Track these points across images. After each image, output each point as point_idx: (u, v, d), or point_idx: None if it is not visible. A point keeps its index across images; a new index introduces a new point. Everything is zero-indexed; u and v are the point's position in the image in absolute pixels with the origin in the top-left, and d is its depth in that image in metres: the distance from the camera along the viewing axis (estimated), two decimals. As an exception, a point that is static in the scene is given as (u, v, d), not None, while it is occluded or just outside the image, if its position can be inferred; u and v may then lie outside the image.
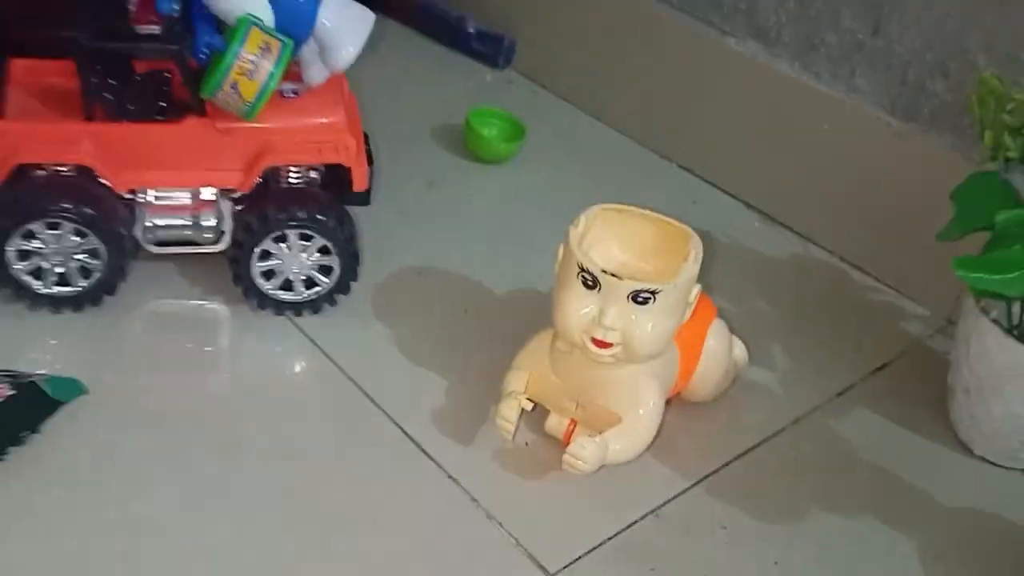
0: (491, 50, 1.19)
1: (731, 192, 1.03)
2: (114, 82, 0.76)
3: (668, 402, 0.72)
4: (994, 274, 0.69)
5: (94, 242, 0.75)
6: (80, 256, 0.76)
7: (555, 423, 0.72)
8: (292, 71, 0.77)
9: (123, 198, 0.77)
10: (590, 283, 0.65)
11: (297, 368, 0.79)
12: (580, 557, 0.66)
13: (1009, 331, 0.73)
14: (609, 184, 1.01)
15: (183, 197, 0.78)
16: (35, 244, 0.75)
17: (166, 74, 0.79)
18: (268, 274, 0.79)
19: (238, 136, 0.77)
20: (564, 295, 0.67)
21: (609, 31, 1.10)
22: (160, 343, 0.79)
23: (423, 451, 0.72)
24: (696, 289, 0.69)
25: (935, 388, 0.81)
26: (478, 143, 1.03)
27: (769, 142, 1.00)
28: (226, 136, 0.76)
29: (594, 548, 0.67)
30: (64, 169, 0.75)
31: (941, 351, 0.84)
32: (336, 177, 0.80)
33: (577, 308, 0.66)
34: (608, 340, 0.65)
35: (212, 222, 0.79)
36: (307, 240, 0.78)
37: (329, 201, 0.79)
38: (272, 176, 0.78)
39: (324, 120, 0.79)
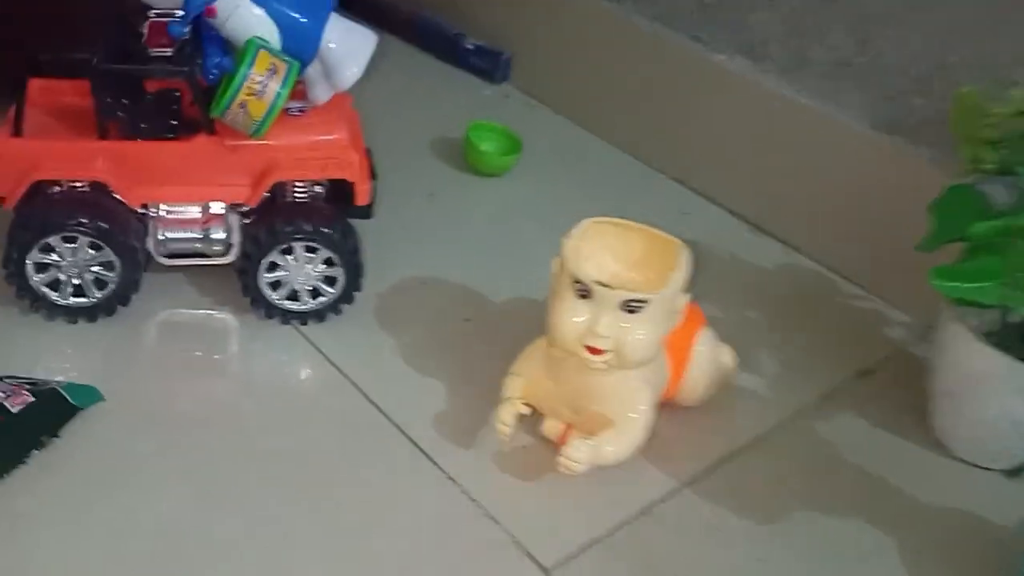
0: (489, 65, 1.21)
1: (721, 203, 1.05)
2: (127, 102, 0.78)
3: (659, 406, 0.74)
4: (968, 283, 0.71)
5: (109, 255, 0.78)
6: (95, 268, 0.78)
7: (551, 426, 0.74)
8: (298, 90, 0.79)
9: (136, 212, 0.79)
10: (584, 293, 0.68)
11: (303, 375, 0.81)
12: (575, 554, 0.68)
13: (985, 338, 0.75)
14: (603, 196, 1.03)
15: (193, 211, 0.81)
16: (53, 257, 0.77)
17: (176, 93, 0.82)
18: (275, 285, 0.81)
19: (246, 153, 0.79)
20: (559, 305, 0.69)
21: (602, 47, 1.12)
22: (172, 351, 0.81)
23: (424, 453, 0.74)
24: (685, 298, 0.71)
25: (917, 393, 0.82)
26: (477, 157, 1.06)
27: (758, 155, 1.02)
28: (235, 153, 0.79)
29: (589, 545, 0.69)
30: (80, 185, 0.78)
31: (923, 357, 0.85)
32: (340, 191, 0.82)
33: (571, 317, 0.68)
34: (601, 347, 0.67)
35: (221, 235, 0.81)
36: (312, 252, 0.80)
37: (333, 215, 0.81)
38: (279, 191, 0.81)
39: (329, 137, 0.81)
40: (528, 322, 0.77)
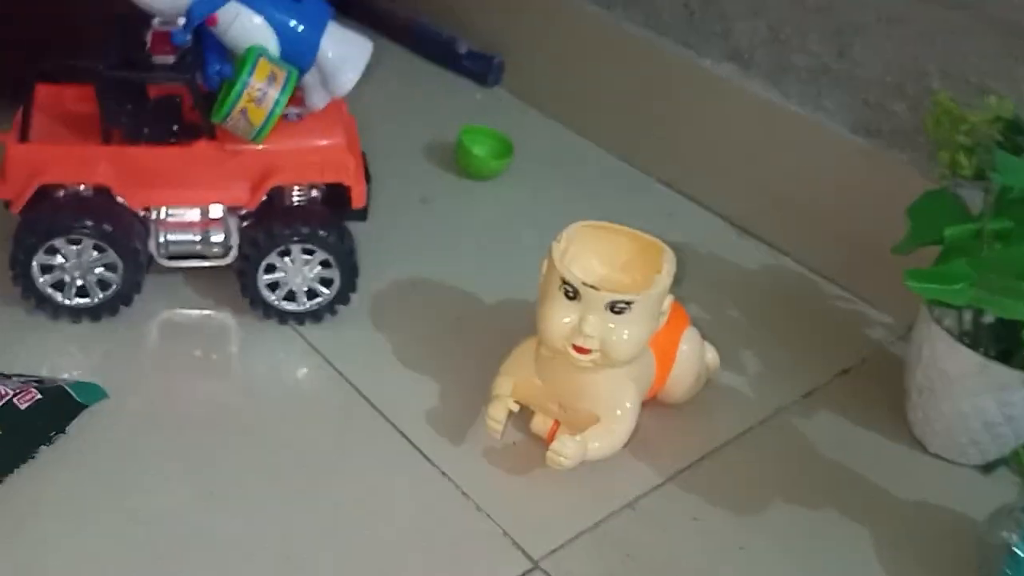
0: (481, 69, 1.23)
1: (707, 206, 1.07)
2: (130, 107, 0.80)
3: (644, 405, 0.76)
4: (941, 285, 0.74)
5: (112, 257, 0.79)
6: (99, 270, 0.80)
7: (540, 423, 0.76)
8: (295, 96, 0.80)
9: (138, 215, 0.81)
10: (571, 294, 0.69)
11: (300, 373, 0.83)
12: (563, 545, 0.70)
13: (959, 338, 0.78)
14: (592, 198, 1.05)
15: (193, 214, 0.82)
16: (57, 259, 0.79)
17: (177, 99, 0.83)
18: (273, 286, 0.83)
19: (245, 157, 0.81)
20: (547, 305, 0.70)
21: (593, 52, 1.13)
22: (173, 350, 0.82)
23: (417, 449, 0.76)
24: (669, 299, 0.73)
25: (895, 391, 0.84)
26: (469, 161, 1.07)
27: (743, 159, 1.04)
28: (234, 157, 0.81)
29: (576, 537, 0.71)
30: (83, 189, 0.80)
31: (901, 356, 0.87)
32: (336, 195, 0.84)
33: (559, 317, 0.70)
34: (588, 347, 0.69)
35: (220, 238, 0.83)
36: (310, 254, 0.82)
37: (330, 217, 0.83)
38: (277, 194, 0.82)
39: (325, 142, 0.83)
40: (518, 322, 0.78)
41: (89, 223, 0.78)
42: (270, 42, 0.78)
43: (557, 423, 0.76)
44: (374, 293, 0.89)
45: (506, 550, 0.70)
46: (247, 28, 0.78)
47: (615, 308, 0.69)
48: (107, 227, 0.78)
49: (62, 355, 0.80)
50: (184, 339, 0.84)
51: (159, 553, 0.67)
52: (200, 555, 0.67)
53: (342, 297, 0.85)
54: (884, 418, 0.84)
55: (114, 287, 0.81)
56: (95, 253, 0.79)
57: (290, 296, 0.84)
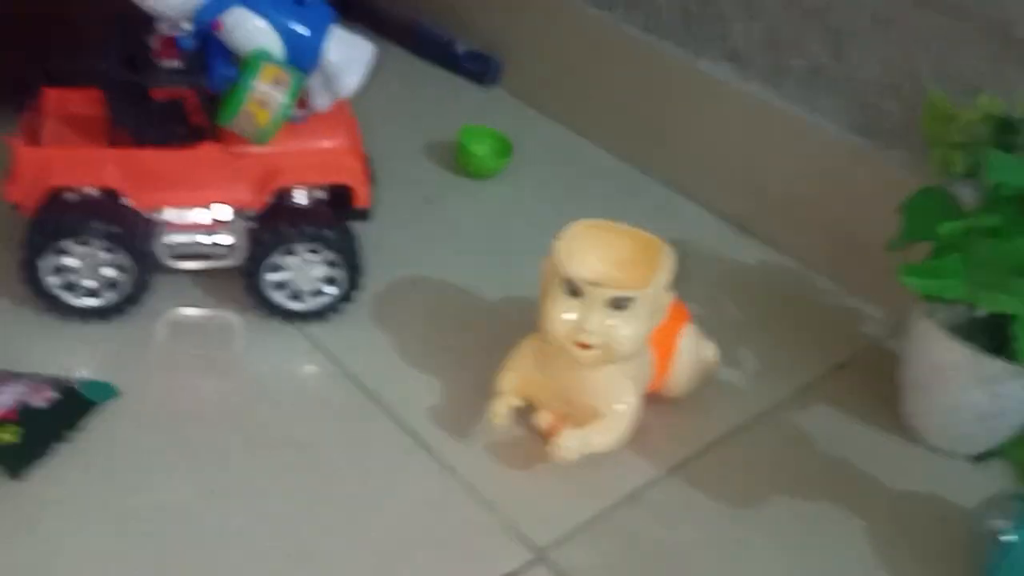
0: (480, 70, 1.24)
1: (705, 204, 1.08)
2: (137, 111, 0.82)
3: (644, 399, 0.77)
4: (934, 280, 0.75)
5: (121, 258, 0.81)
6: (108, 271, 0.81)
7: (543, 418, 0.78)
8: (299, 98, 0.81)
9: (145, 217, 0.82)
10: (573, 291, 0.71)
11: (306, 372, 0.84)
12: (566, 537, 0.72)
13: (952, 332, 0.79)
14: (591, 197, 1.06)
15: (199, 215, 0.84)
16: (67, 260, 0.80)
17: (181, 102, 0.84)
18: (279, 285, 0.84)
19: (251, 159, 0.82)
20: (549, 302, 0.72)
21: (591, 53, 1.15)
22: (181, 349, 0.84)
23: (422, 444, 0.77)
24: (669, 296, 0.75)
25: (890, 384, 0.86)
26: (469, 160, 1.09)
27: (740, 158, 1.05)
28: (240, 159, 0.82)
29: (579, 528, 0.72)
30: (91, 191, 0.81)
31: (896, 351, 0.88)
32: (340, 195, 0.85)
33: (561, 314, 0.71)
34: (589, 342, 0.71)
35: (226, 238, 0.84)
36: (314, 254, 0.83)
37: (334, 218, 0.84)
38: (282, 195, 0.84)
39: (329, 143, 0.84)
40: (520, 319, 0.79)
41: (98, 225, 0.79)
42: (274, 46, 0.79)
43: (560, 418, 0.77)
44: (377, 292, 0.90)
45: (511, 541, 0.71)
46: (252, 32, 0.79)
47: (616, 304, 0.71)
48: (115, 228, 0.80)
49: (72, 355, 0.81)
50: (191, 338, 0.85)
51: (167, 549, 0.68)
52: (208, 551, 0.68)
53: (346, 296, 0.86)
54: (879, 411, 0.86)
55: (123, 288, 0.83)
56: (104, 254, 0.81)
57: (296, 295, 0.86)
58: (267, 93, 0.77)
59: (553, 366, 0.75)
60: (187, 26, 0.79)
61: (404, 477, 0.75)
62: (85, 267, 0.81)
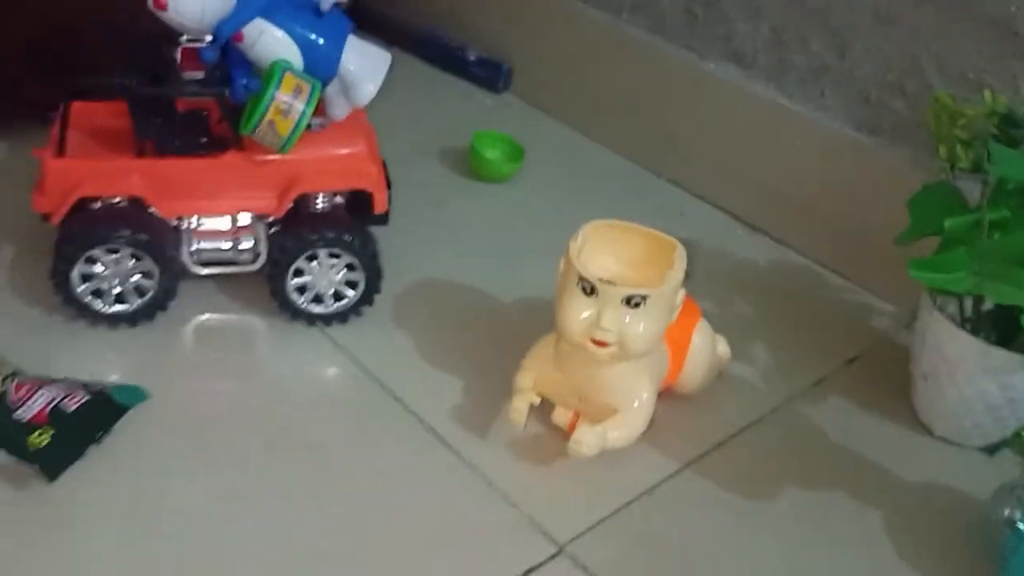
0: (490, 76, 1.26)
1: (715, 203, 1.09)
2: (161, 121, 0.84)
3: (659, 395, 0.78)
4: (942, 273, 0.77)
5: (148, 265, 0.83)
6: (136, 277, 0.83)
7: (560, 415, 0.79)
8: (318, 107, 0.82)
9: (171, 225, 0.84)
10: (588, 290, 0.72)
11: (329, 373, 0.86)
12: (586, 530, 0.73)
13: (960, 324, 0.81)
14: (603, 199, 1.08)
15: (223, 223, 0.86)
16: (96, 268, 0.82)
17: (204, 113, 0.87)
18: (301, 289, 0.86)
19: (272, 167, 0.84)
20: (565, 301, 0.73)
21: (599, 57, 1.16)
22: (207, 353, 0.86)
23: (443, 442, 0.79)
24: (682, 293, 0.76)
25: (900, 378, 0.87)
26: (482, 164, 1.10)
27: (748, 157, 1.06)
28: (262, 167, 0.84)
29: (598, 522, 0.74)
30: (119, 200, 0.83)
31: (906, 345, 0.89)
32: (359, 201, 0.87)
33: (577, 312, 0.72)
34: (605, 340, 0.72)
35: (249, 244, 0.86)
36: (335, 258, 0.85)
37: (354, 223, 0.86)
38: (302, 202, 0.86)
39: (348, 151, 0.86)
40: (536, 319, 0.81)
41: (126, 233, 0.81)
42: (294, 56, 0.81)
43: (577, 415, 0.78)
44: (396, 294, 0.92)
45: (532, 536, 0.73)
46: (272, 43, 0.81)
47: (631, 302, 0.72)
48: (143, 236, 0.82)
49: (102, 360, 0.83)
50: (217, 342, 0.87)
51: (196, 550, 0.69)
52: (235, 551, 0.70)
53: (367, 298, 0.88)
54: (890, 404, 0.87)
55: (150, 294, 0.84)
56: (132, 261, 0.83)
57: (317, 299, 0.87)
58: (288, 103, 0.79)
59: (570, 364, 0.77)
60: (209, 39, 0.81)
61: (426, 475, 0.77)
62: (113, 274, 0.83)
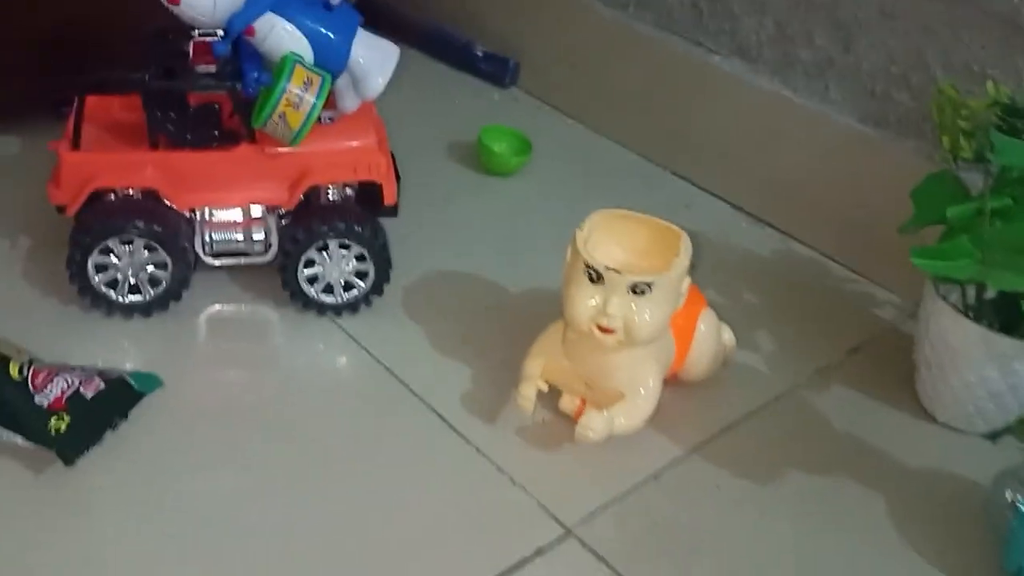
0: (497, 71, 1.27)
1: (720, 195, 1.10)
2: (174, 115, 0.85)
3: (665, 382, 0.79)
4: (945, 261, 0.77)
5: (162, 255, 0.84)
6: (150, 268, 0.85)
7: (568, 401, 0.80)
8: (328, 100, 0.83)
9: (185, 216, 0.86)
10: (595, 278, 0.73)
11: (340, 362, 0.87)
12: (593, 514, 0.74)
13: (963, 312, 0.81)
14: (609, 191, 1.09)
15: (236, 214, 0.87)
16: (111, 259, 0.84)
17: (216, 106, 0.88)
18: (312, 280, 0.87)
19: (284, 159, 0.85)
20: (572, 289, 0.74)
21: (606, 51, 1.17)
22: (220, 342, 0.87)
23: (454, 429, 0.80)
24: (687, 281, 0.77)
25: (904, 366, 0.88)
26: (490, 158, 1.11)
27: (753, 150, 1.07)
28: (273, 160, 0.85)
29: (605, 505, 0.75)
30: (133, 192, 0.84)
31: (910, 333, 0.89)
32: (368, 193, 0.88)
33: (584, 300, 0.73)
34: (612, 327, 0.73)
35: (261, 236, 0.88)
36: (346, 249, 0.86)
37: (364, 214, 0.87)
38: (313, 193, 0.87)
39: (358, 143, 0.87)
40: (543, 308, 0.82)
41: (140, 224, 0.82)
42: (304, 50, 0.83)
43: (584, 401, 0.79)
44: (406, 285, 0.93)
45: (541, 519, 0.74)
46: (282, 37, 0.82)
47: (637, 290, 0.73)
48: (157, 228, 0.83)
49: (117, 349, 0.85)
50: (230, 332, 0.88)
51: (210, 535, 0.71)
52: (250, 535, 0.71)
53: (377, 289, 0.89)
54: (894, 391, 0.88)
55: (164, 284, 0.86)
56: (146, 252, 0.84)
57: (328, 289, 0.89)
58: (299, 96, 0.80)
59: (577, 351, 0.78)
60: (221, 33, 0.82)
61: (438, 460, 0.78)
62: (127, 265, 0.84)
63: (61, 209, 0.85)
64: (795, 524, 0.76)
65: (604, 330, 0.74)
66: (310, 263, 0.87)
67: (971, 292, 0.83)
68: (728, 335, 0.86)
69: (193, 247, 0.87)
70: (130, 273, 0.85)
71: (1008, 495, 0.73)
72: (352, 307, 0.90)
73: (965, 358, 0.81)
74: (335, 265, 0.87)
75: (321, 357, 0.87)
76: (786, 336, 0.93)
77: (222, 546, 0.70)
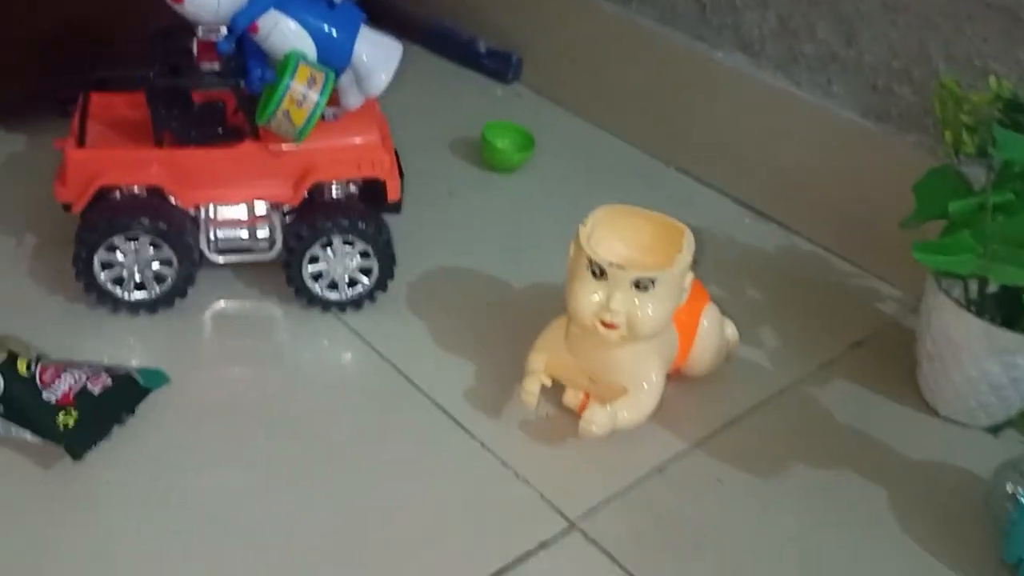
0: (500, 67, 1.27)
1: (723, 191, 1.10)
2: (178, 112, 0.85)
3: (668, 377, 0.80)
4: (947, 256, 0.78)
5: (167, 252, 0.84)
6: (155, 265, 0.85)
7: (571, 396, 0.80)
8: (331, 97, 0.84)
9: (189, 213, 0.86)
10: (598, 274, 0.74)
11: (344, 357, 0.87)
12: (597, 508, 0.75)
13: (965, 306, 0.82)
14: (612, 186, 1.09)
15: (240, 211, 0.87)
16: (117, 255, 0.84)
17: (220, 104, 0.88)
18: (316, 276, 0.88)
19: (287, 157, 0.86)
20: (576, 285, 0.75)
21: (608, 47, 1.17)
22: (225, 339, 0.87)
23: (458, 423, 0.81)
24: (690, 277, 0.77)
25: (906, 360, 0.88)
26: (493, 154, 1.11)
27: (756, 145, 1.07)
28: (277, 157, 0.86)
29: (608, 499, 0.75)
30: (138, 189, 0.85)
31: (912, 328, 0.90)
32: (372, 189, 0.89)
33: (587, 295, 0.74)
34: (615, 322, 0.73)
35: (266, 232, 0.88)
36: (350, 245, 0.87)
37: (368, 211, 0.87)
38: (317, 190, 0.87)
39: (361, 140, 0.87)
40: (546, 303, 0.83)
41: (146, 221, 0.83)
42: (308, 47, 0.83)
43: (587, 396, 0.80)
44: (409, 281, 0.94)
45: (545, 512, 0.74)
46: (286, 35, 0.83)
47: (640, 285, 0.73)
48: (162, 225, 0.83)
49: (123, 346, 0.85)
50: (235, 328, 0.89)
51: (216, 529, 0.71)
52: (256, 529, 0.71)
53: (381, 285, 0.90)
54: (896, 386, 0.88)
55: (169, 281, 0.86)
56: (152, 249, 0.85)
57: (332, 285, 0.89)
58: (302, 93, 0.81)
59: (580, 346, 0.78)
60: (224, 31, 0.83)
61: (442, 455, 0.79)
62: (133, 262, 0.85)
63: (67, 207, 0.85)
64: (798, 517, 0.76)
65: (607, 326, 0.74)
66: (314, 259, 0.87)
67: (973, 286, 0.83)
68: (731, 330, 0.87)
69: (198, 244, 0.87)
70: (136, 270, 0.85)
71: (1009, 487, 0.73)
72: (356, 303, 0.90)
73: (967, 352, 0.82)
74: (339, 261, 0.88)
75: (326, 353, 0.88)
76: (789, 331, 0.93)
77: (228, 541, 0.71)
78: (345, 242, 0.87)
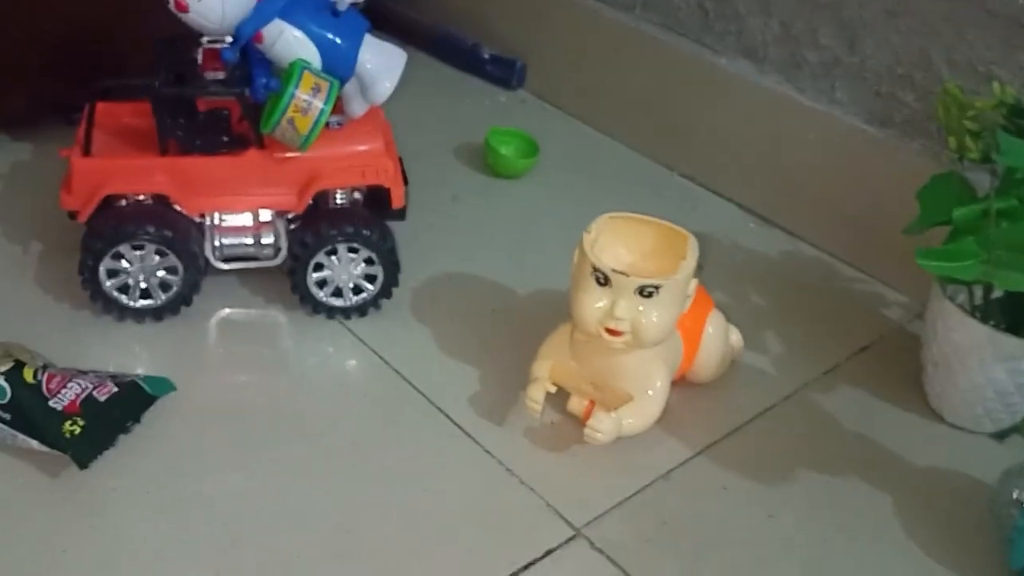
0: (504, 73, 1.28)
1: (727, 197, 1.11)
2: (184, 121, 0.86)
3: (673, 384, 0.80)
4: (951, 262, 0.78)
5: (173, 260, 0.85)
6: (161, 273, 0.85)
7: (576, 403, 0.80)
8: (336, 105, 0.84)
9: (195, 221, 0.86)
10: (602, 281, 0.74)
11: (349, 364, 0.87)
12: (602, 514, 0.75)
13: (970, 312, 0.82)
14: (616, 193, 1.09)
15: (245, 219, 0.88)
16: (123, 264, 0.84)
17: (225, 112, 0.89)
18: (321, 283, 0.88)
19: (292, 164, 0.86)
20: (580, 292, 0.75)
21: (612, 53, 1.18)
22: (231, 346, 0.88)
23: (463, 430, 0.81)
24: (694, 283, 0.77)
25: (911, 366, 0.88)
26: (497, 160, 1.12)
27: (760, 151, 1.07)
28: (282, 165, 0.86)
29: (614, 506, 0.75)
30: (144, 198, 0.85)
31: (918, 333, 0.90)
32: (377, 196, 0.89)
33: (592, 302, 0.74)
34: (619, 329, 0.73)
35: (271, 240, 0.88)
36: (354, 252, 0.87)
37: (372, 218, 0.87)
38: (322, 198, 0.87)
39: (366, 147, 0.87)
40: (550, 310, 0.83)
41: (151, 229, 0.83)
42: (312, 56, 0.83)
43: (592, 403, 0.80)
44: (414, 288, 0.94)
45: (550, 519, 0.74)
46: (291, 43, 0.83)
47: (644, 292, 0.74)
48: (168, 233, 0.84)
49: (129, 353, 0.85)
50: (240, 335, 0.89)
51: (222, 536, 0.71)
52: (262, 537, 0.71)
53: (385, 292, 0.90)
54: (901, 392, 0.88)
55: (175, 289, 0.87)
56: (157, 257, 0.85)
57: (337, 292, 0.89)
58: (307, 101, 0.81)
59: (585, 353, 0.79)
60: (229, 39, 0.83)
61: (447, 462, 0.79)
62: (139, 270, 0.85)
63: (73, 215, 0.86)
64: (803, 523, 0.76)
65: (612, 332, 0.74)
66: (319, 267, 0.88)
67: (978, 292, 0.83)
68: (736, 336, 0.87)
69: (203, 252, 0.87)
70: (141, 278, 0.86)
71: (1014, 493, 0.73)
72: (361, 310, 0.90)
73: (972, 358, 0.82)
74: (344, 269, 0.88)
75: (330, 360, 0.88)
76: (793, 337, 0.93)
77: (234, 547, 0.71)
78: (350, 249, 0.87)
